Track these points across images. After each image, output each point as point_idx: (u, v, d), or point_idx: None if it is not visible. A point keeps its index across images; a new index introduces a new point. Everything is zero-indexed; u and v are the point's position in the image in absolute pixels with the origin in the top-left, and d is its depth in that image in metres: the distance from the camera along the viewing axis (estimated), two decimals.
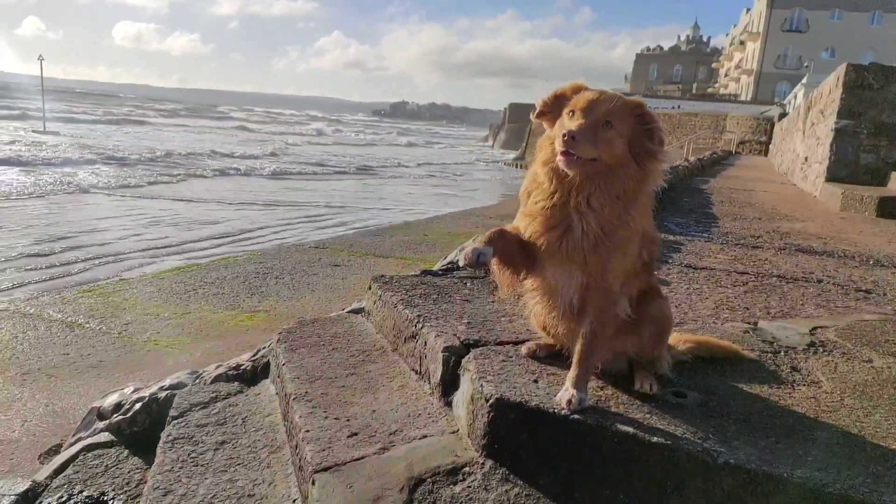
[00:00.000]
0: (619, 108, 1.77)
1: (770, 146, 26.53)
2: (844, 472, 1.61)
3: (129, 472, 2.76)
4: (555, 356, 2.18)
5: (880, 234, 6.25)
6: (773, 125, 29.58)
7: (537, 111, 1.91)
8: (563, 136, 1.70)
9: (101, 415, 3.19)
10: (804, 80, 44.60)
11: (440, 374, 2.26)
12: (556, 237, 1.84)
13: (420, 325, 2.52)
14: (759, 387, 2.15)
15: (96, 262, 9.58)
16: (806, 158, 11.22)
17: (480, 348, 2.29)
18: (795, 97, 45.75)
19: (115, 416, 3.07)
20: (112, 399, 3.24)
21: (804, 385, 2.19)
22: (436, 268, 3.47)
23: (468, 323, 2.55)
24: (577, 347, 1.91)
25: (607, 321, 1.90)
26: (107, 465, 2.80)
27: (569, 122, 1.77)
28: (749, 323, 2.91)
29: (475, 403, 1.98)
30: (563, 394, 1.85)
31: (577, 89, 1.85)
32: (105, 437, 2.99)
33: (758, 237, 5.66)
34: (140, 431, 2.95)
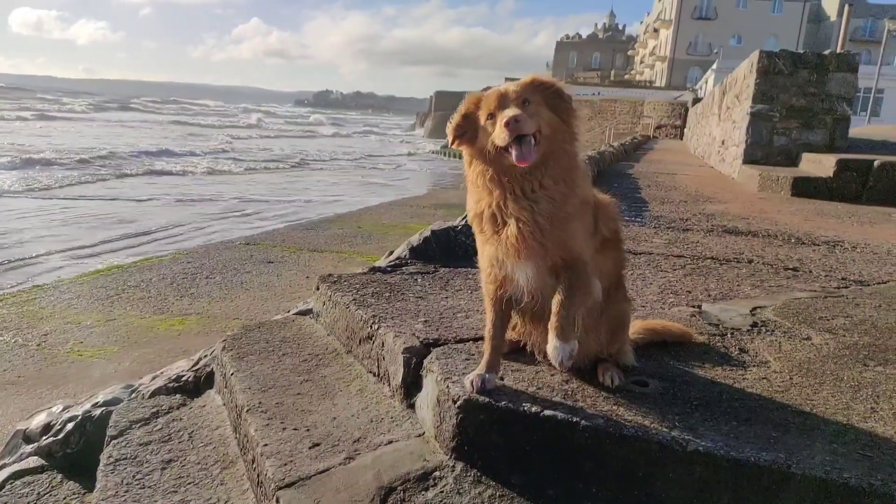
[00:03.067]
0: (523, 87, 1.82)
1: (685, 130, 27.64)
2: (805, 452, 1.67)
3: (64, 498, 2.57)
4: (518, 351, 2.17)
5: (797, 212, 6.61)
6: (687, 110, 30.82)
7: (452, 137, 1.88)
8: (506, 123, 1.68)
9: (27, 437, 2.96)
10: (714, 66, 46.75)
11: (401, 375, 2.20)
12: (514, 235, 1.79)
13: (376, 326, 2.45)
14: (714, 370, 2.20)
15: (4, 267, 8.91)
16: (723, 142, 11.74)
17: (441, 347, 2.24)
18: (707, 82, 47.89)
19: (44, 438, 2.84)
20: (40, 419, 3.00)
21: (754, 366, 2.26)
22: (383, 264, 3.40)
23: (425, 321, 2.50)
24: (555, 300, 1.85)
25: (582, 284, 1.85)
26: (39, 493, 2.59)
27: (491, 123, 1.77)
28: (693, 306, 2.99)
29: (442, 406, 1.94)
30: (551, 347, 1.83)
31: (478, 100, 1.86)
32: (34, 461, 2.77)
33: (686, 220, 5.86)
34: (74, 453, 2.75)
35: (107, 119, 63.60)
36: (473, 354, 2.19)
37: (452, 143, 1.88)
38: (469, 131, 1.85)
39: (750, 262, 4.07)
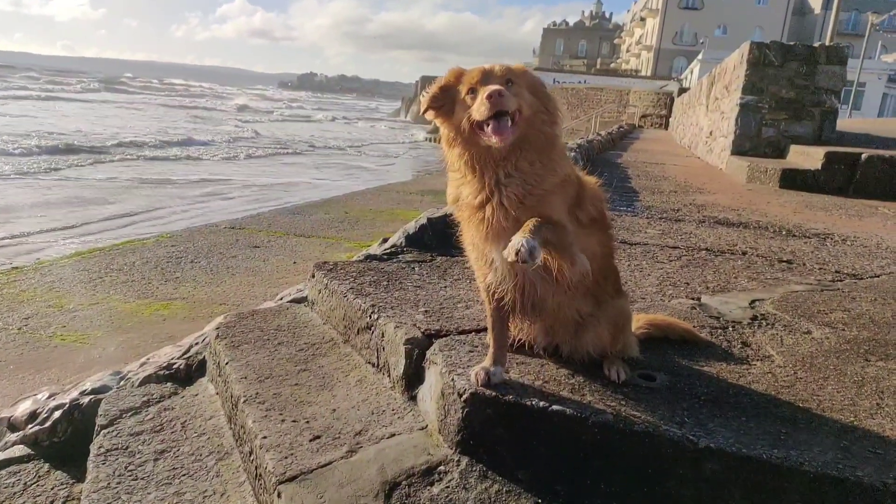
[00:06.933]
0: (508, 69, 1.80)
1: (670, 119, 27.71)
2: (816, 449, 1.65)
3: (52, 488, 2.50)
4: (522, 344, 2.13)
5: (785, 204, 6.64)
6: (672, 100, 30.88)
7: (426, 106, 1.84)
8: (489, 96, 1.66)
9: (12, 425, 2.87)
10: (700, 56, 46.85)
11: (403, 367, 2.16)
12: (488, 218, 1.77)
13: (376, 316, 2.40)
14: (719, 365, 2.19)
15: None
16: (710, 132, 11.76)
17: (443, 339, 2.20)
18: (692, 72, 48.01)
19: (30, 426, 2.76)
20: (25, 407, 2.92)
21: (758, 360, 2.25)
22: (378, 251, 3.34)
23: (425, 311, 2.45)
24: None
25: (560, 232, 1.76)
26: (26, 483, 2.52)
27: (471, 97, 1.74)
28: (693, 298, 2.98)
29: (447, 399, 1.90)
30: (516, 239, 1.66)
31: (459, 74, 1.83)
32: (20, 450, 2.69)
33: (678, 210, 5.86)
34: (62, 442, 2.68)
35: (112, 101, 60.95)
36: (476, 346, 2.15)
37: (425, 112, 1.85)
38: (447, 104, 1.82)
39: (744, 253, 4.07)
